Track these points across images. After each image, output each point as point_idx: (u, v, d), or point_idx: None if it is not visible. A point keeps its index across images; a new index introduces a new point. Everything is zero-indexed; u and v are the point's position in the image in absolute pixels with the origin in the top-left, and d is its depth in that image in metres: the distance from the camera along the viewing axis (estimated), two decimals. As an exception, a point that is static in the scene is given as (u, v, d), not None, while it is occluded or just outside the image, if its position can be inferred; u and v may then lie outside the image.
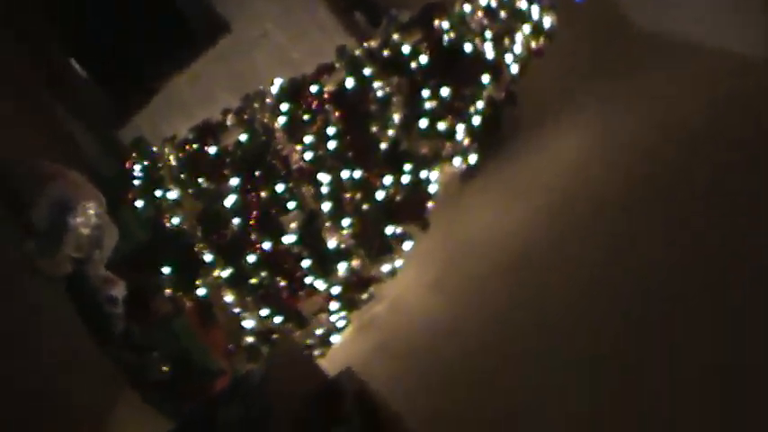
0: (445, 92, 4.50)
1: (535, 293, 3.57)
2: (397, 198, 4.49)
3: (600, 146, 4.32)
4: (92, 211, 4.13)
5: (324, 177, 4.35)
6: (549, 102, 4.92)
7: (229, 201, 4.32)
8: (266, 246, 4.30)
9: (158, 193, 4.47)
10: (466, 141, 4.61)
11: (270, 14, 5.29)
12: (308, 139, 4.41)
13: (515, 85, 4.78)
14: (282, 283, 4.34)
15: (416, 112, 4.48)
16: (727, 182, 3.17)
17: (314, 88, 4.52)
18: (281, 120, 4.45)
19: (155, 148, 4.72)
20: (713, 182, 3.24)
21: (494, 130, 4.75)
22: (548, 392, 2.90)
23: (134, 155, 4.69)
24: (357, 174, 4.39)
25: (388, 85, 4.50)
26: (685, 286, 2.85)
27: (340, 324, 4.55)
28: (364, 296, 4.57)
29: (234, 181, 4.36)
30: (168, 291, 4.30)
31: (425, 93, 4.48)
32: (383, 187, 4.43)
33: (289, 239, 4.32)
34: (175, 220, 4.38)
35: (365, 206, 4.43)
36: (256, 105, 4.60)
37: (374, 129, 4.46)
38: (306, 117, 4.45)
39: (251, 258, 4.28)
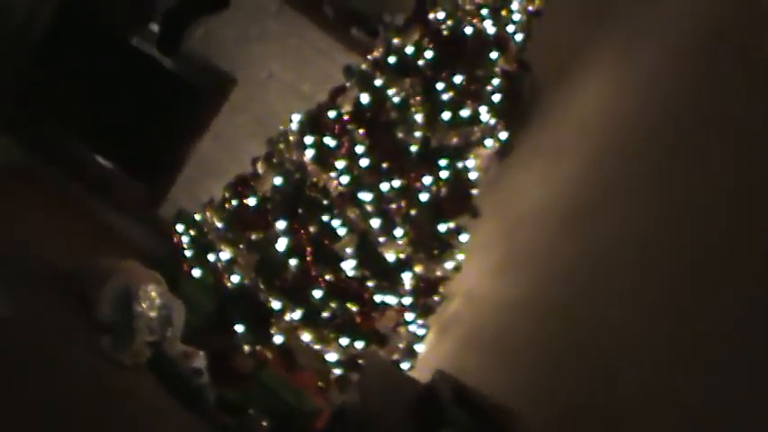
0: (458, 79, 4.47)
1: (600, 245, 3.52)
2: (442, 194, 4.46)
3: (623, 88, 4.26)
4: (154, 294, 4.20)
5: (365, 196, 4.33)
6: (562, 59, 4.88)
7: (281, 245, 4.32)
8: (328, 277, 4.30)
9: (212, 257, 4.50)
10: (492, 121, 4.57)
11: (270, 55, 5.30)
12: (339, 164, 4.41)
13: (524, 52, 4.74)
14: (354, 308, 4.33)
15: (436, 106, 4.45)
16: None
17: (332, 114, 4.53)
18: (309, 153, 4.46)
19: (197, 216, 4.76)
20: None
21: (516, 102, 4.72)
22: (641, 344, 2.83)
23: (179, 228, 4.75)
24: (396, 183, 4.37)
25: (402, 89, 4.48)
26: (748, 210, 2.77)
27: (420, 332, 4.54)
28: (436, 298, 4.55)
29: (280, 224, 4.37)
30: (247, 347, 4.32)
31: (440, 85, 4.45)
32: (425, 188, 4.41)
33: (348, 265, 4.31)
34: (235, 279, 4.40)
35: (413, 212, 4.40)
36: (282, 146, 4.63)
37: (400, 135, 4.44)
38: (332, 143, 4.44)
39: (317, 293, 4.27)
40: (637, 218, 3.34)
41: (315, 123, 4.55)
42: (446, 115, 4.45)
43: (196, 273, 4.50)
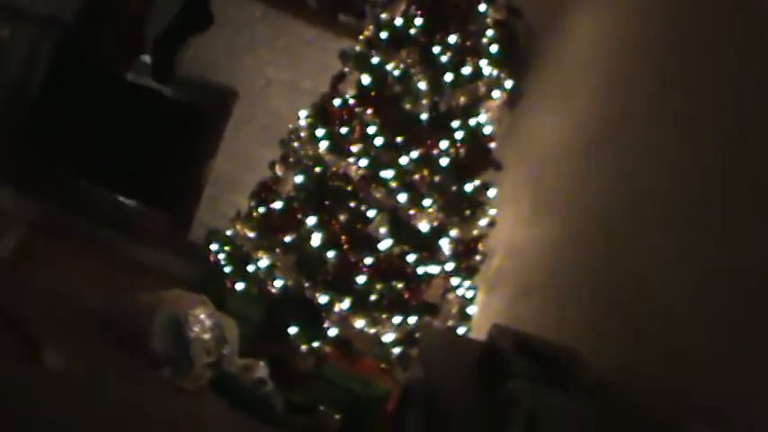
0: (453, 39, 4.44)
1: (630, 169, 3.49)
2: (461, 155, 4.44)
3: (616, 11, 4.23)
4: (203, 316, 4.22)
5: (387, 173, 4.32)
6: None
7: (316, 240, 4.32)
8: (368, 261, 4.29)
9: (251, 268, 4.51)
10: (495, 72, 4.54)
11: (263, 61, 5.29)
12: (355, 149, 4.40)
13: (512, -2, 4.72)
14: (400, 286, 4.33)
15: (437, 70, 4.43)
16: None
17: (337, 102, 4.52)
18: (323, 145, 4.45)
19: (228, 232, 4.77)
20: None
21: (514, 49, 4.69)
22: (694, 275, 2.77)
23: (213, 247, 4.76)
24: (414, 154, 4.36)
25: (401, 62, 4.46)
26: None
27: (469, 294, 4.53)
28: (478, 258, 4.53)
29: (311, 220, 4.37)
30: (304, 347, 4.33)
31: (436, 49, 4.42)
32: (443, 153, 4.39)
33: (385, 244, 4.30)
34: (278, 283, 4.41)
35: (436, 178, 4.39)
36: (295, 144, 4.63)
37: (408, 106, 4.42)
38: (344, 130, 4.43)
39: (361, 279, 4.28)
40: (660, 137, 3.30)
41: (322, 115, 4.54)
42: (448, 77, 4.42)
43: (239, 286, 4.51)
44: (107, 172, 5.43)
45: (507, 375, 2.63)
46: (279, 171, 4.65)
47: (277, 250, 4.47)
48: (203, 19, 5.08)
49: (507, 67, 4.60)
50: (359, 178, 4.38)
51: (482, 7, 4.51)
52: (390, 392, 4.20)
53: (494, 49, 4.51)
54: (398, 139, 4.37)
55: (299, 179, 4.50)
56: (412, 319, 4.34)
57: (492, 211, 4.54)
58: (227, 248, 4.69)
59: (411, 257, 4.34)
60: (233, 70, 5.27)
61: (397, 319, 4.32)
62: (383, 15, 4.57)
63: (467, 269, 4.49)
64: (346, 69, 4.62)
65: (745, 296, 2.42)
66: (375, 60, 4.47)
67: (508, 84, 4.61)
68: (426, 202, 4.34)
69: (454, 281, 4.48)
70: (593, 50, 4.36)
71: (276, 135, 4.83)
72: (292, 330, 4.33)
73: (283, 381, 4.23)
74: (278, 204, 4.52)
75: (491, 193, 4.54)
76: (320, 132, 4.47)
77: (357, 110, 4.47)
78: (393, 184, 4.34)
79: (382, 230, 4.31)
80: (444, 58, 4.43)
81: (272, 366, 4.23)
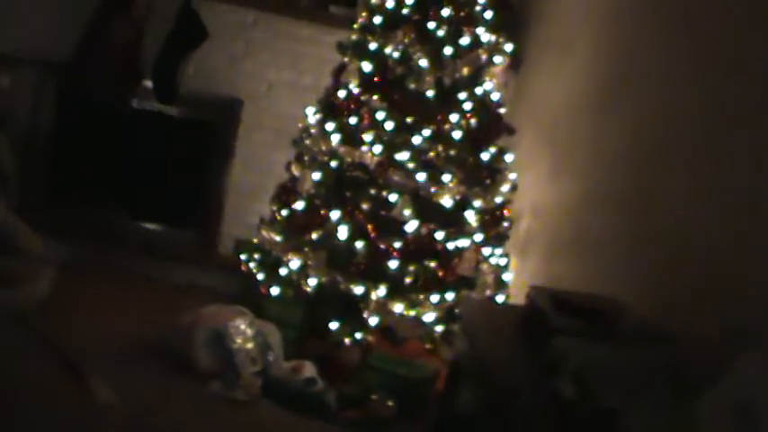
0: (446, 11, 4.41)
1: (646, 112, 3.46)
2: (473, 125, 4.42)
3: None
4: (243, 326, 4.24)
5: (402, 156, 4.31)
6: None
7: (342, 233, 4.31)
8: (397, 245, 4.28)
9: (283, 271, 4.51)
10: (493, 38, 4.51)
11: (262, 65, 5.28)
12: (367, 137, 4.38)
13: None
14: (432, 264, 4.32)
15: (436, 45, 4.41)
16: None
17: (342, 93, 4.51)
18: (335, 138, 4.44)
19: (255, 240, 4.78)
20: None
21: (508, 12, 4.66)
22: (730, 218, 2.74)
23: (243, 257, 4.77)
24: (426, 132, 4.34)
25: (398, 43, 4.45)
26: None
27: (503, 262, 4.52)
28: (505, 224, 4.53)
29: (334, 214, 4.36)
30: (347, 340, 4.33)
31: (432, 24, 4.40)
32: (455, 126, 4.37)
33: (411, 226, 4.29)
34: (312, 282, 4.41)
35: (452, 152, 4.37)
36: (307, 143, 4.62)
37: (413, 86, 4.41)
38: (353, 121, 4.42)
39: (393, 264, 4.27)
40: (672, 77, 3.27)
41: (330, 109, 4.53)
42: (448, 50, 4.40)
43: (274, 291, 4.52)
44: (128, 201, 5.45)
45: (551, 334, 2.62)
46: (295, 171, 4.65)
47: (306, 250, 4.47)
48: (197, 34, 5.06)
49: (505, 30, 4.57)
50: (375, 165, 4.37)
51: (470, -25, 4.49)
52: (439, 371, 4.20)
53: (488, 15, 4.49)
54: (408, 120, 4.36)
55: (316, 176, 4.49)
56: (449, 296, 4.33)
57: (512, 176, 4.53)
58: (256, 256, 4.70)
59: (439, 234, 4.33)
60: (234, 79, 5.26)
61: (434, 298, 4.30)
62: (374, 0, 4.55)
63: (496, 237, 4.48)
64: (346, 60, 4.61)
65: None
66: (373, 46, 4.46)
67: (508, 47, 4.57)
68: (446, 177, 4.32)
69: (485, 251, 4.47)
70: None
71: (287, 136, 4.83)
72: (333, 326, 4.33)
73: (332, 377, 4.24)
74: (300, 204, 4.52)
75: (508, 158, 4.53)
76: (330, 126, 4.46)
77: (363, 98, 4.45)
78: (410, 165, 4.32)
79: (406, 212, 4.30)
80: (441, 33, 4.41)
81: (319, 364, 4.26)
